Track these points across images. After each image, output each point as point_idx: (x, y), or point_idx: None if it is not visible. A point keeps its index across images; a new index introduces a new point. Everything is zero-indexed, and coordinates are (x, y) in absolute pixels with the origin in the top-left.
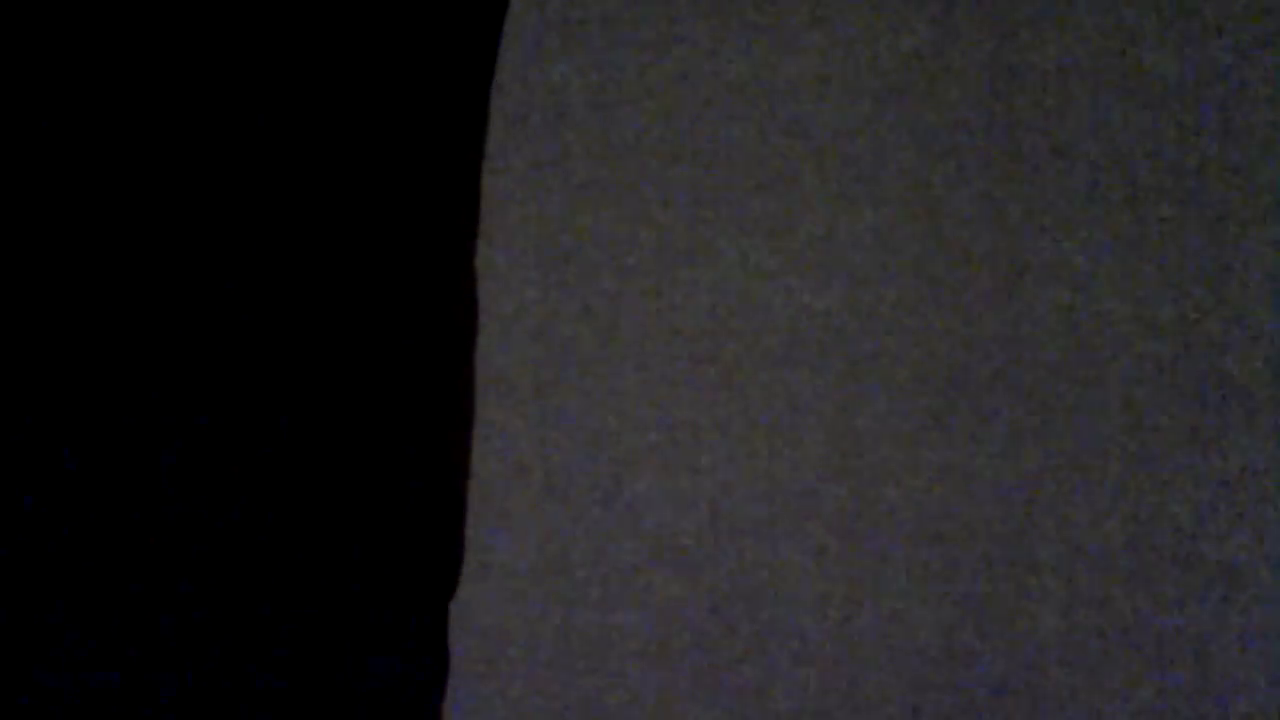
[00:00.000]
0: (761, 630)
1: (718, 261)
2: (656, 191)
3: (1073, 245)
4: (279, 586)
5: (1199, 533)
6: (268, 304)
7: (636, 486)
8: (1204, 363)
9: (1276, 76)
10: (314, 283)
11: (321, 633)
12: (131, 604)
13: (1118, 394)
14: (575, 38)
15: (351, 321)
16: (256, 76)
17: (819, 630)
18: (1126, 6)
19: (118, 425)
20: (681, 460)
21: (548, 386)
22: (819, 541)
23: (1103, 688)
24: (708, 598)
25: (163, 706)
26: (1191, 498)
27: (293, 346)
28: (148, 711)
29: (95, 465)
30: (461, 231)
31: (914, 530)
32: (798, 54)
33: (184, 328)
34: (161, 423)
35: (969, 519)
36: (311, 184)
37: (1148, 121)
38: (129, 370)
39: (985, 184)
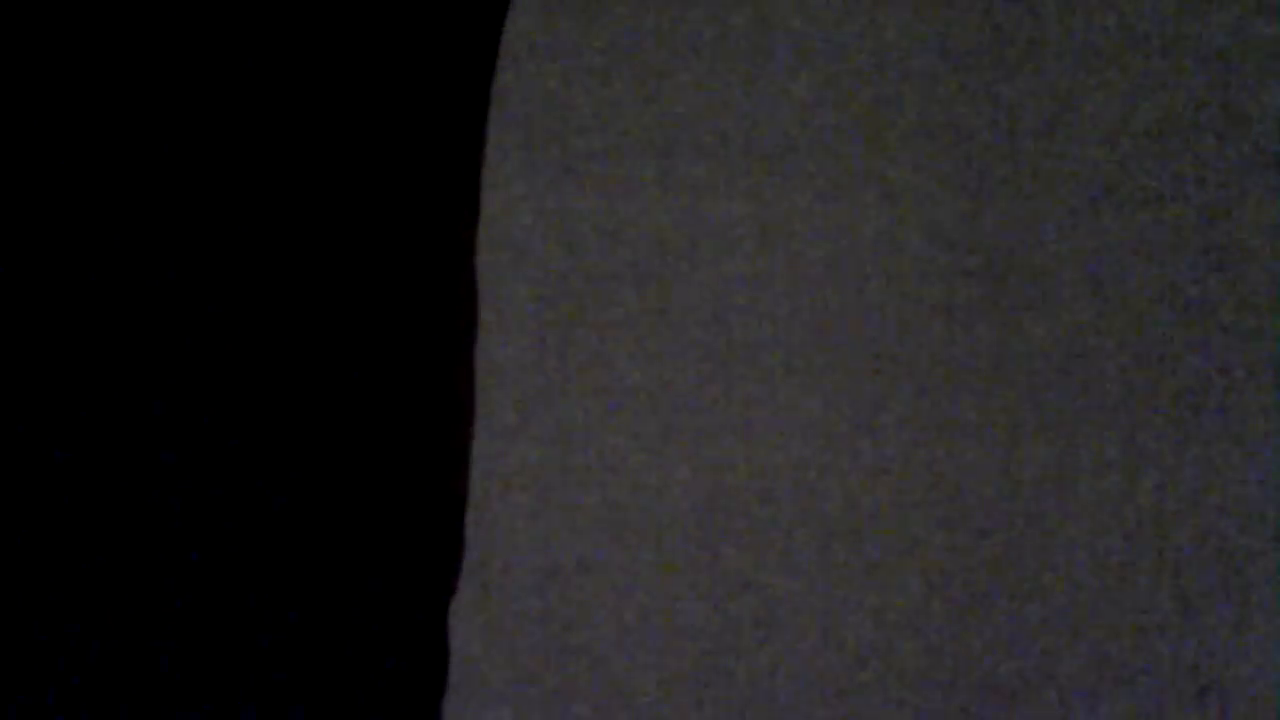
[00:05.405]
0: (763, 631)
1: (719, 261)
2: (658, 191)
3: (1073, 245)
4: (277, 586)
5: (1199, 532)
6: (267, 302)
7: (637, 486)
8: (1205, 362)
9: (1276, 76)
10: (313, 281)
11: (320, 632)
12: (128, 603)
13: (1118, 394)
14: (576, 37)
15: (351, 320)
16: (255, 75)
17: (821, 631)
18: (1127, 6)
19: (114, 423)
20: (683, 459)
21: (548, 385)
22: (821, 541)
23: (1103, 688)
24: (709, 598)
25: (161, 706)
26: (1192, 498)
27: (292, 345)
28: (146, 711)
29: (93, 464)
30: (462, 230)
31: (915, 530)
32: (799, 54)
33: (182, 326)
34: (158, 422)
35: (969, 518)
36: (311, 182)
37: (1149, 121)
38: (125, 368)
39: (985, 183)
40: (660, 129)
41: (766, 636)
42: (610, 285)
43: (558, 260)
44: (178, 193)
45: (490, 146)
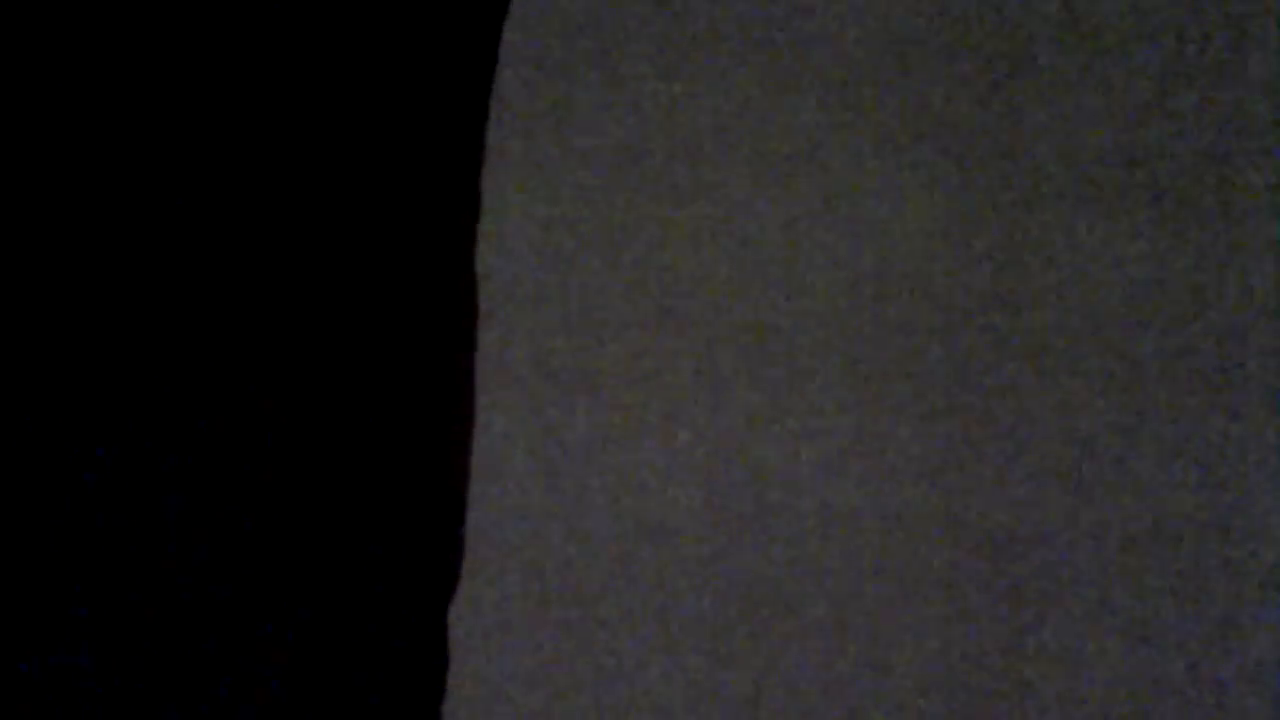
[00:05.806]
0: (763, 630)
1: (718, 261)
2: (657, 191)
3: (1074, 243)
4: (279, 587)
5: (1199, 532)
6: (269, 302)
7: (637, 486)
8: (1204, 361)
9: (1276, 75)
10: (315, 282)
11: (322, 633)
12: (131, 605)
13: (1119, 394)
14: (575, 37)
15: (352, 320)
16: (259, 76)
17: (822, 631)
18: (1126, 5)
19: (118, 424)
20: (682, 459)
21: (548, 385)
22: (821, 541)
23: (1103, 688)
24: (709, 597)
25: (164, 706)
26: (1192, 497)
27: (293, 345)
28: (149, 711)
29: (95, 465)
30: (461, 230)
31: (914, 528)
32: (799, 53)
33: (185, 327)
34: (161, 422)
35: (970, 518)
36: (313, 183)
37: (1147, 119)
38: (129, 369)
39: (985, 181)
40: (660, 129)
41: (768, 636)
42: (611, 285)
43: (558, 260)
44: (181, 193)
45: (490, 147)
